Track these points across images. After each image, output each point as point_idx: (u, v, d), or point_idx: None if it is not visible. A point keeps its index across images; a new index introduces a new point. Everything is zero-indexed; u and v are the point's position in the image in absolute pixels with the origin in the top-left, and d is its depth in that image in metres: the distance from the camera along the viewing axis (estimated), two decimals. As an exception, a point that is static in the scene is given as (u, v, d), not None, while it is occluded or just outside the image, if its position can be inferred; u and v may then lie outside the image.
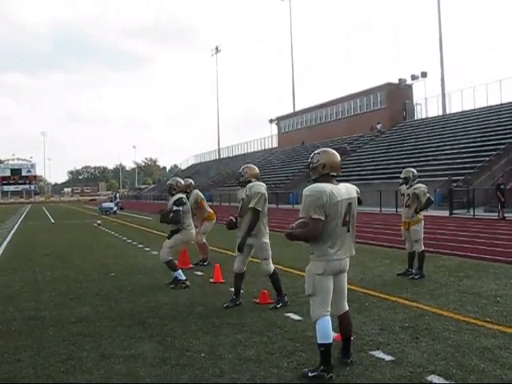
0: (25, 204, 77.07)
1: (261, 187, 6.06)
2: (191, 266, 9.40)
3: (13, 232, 20.29)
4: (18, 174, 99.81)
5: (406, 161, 31.15)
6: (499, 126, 31.35)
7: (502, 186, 20.45)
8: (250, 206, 5.95)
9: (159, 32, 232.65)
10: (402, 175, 8.29)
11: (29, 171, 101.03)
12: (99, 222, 23.33)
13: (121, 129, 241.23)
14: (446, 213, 21.99)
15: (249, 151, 68.75)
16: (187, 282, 7.53)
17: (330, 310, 3.93)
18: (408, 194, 8.05)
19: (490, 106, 36.85)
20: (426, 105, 44.07)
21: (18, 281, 8.48)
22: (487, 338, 4.67)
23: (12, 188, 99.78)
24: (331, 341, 3.88)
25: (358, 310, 5.72)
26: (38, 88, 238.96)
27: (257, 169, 6.45)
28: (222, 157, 77.74)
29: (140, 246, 13.48)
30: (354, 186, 4.16)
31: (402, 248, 9.17)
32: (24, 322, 5.70)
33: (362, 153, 41.03)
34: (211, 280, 7.93)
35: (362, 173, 34.66)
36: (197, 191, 10.06)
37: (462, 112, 39.05)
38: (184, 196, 7.86)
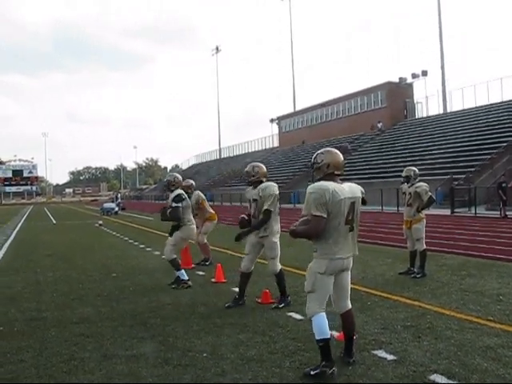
0: (26, 205, 77.21)
1: (274, 188, 6.10)
2: (193, 266, 9.41)
3: (15, 233, 20.31)
4: (19, 175, 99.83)
5: (407, 159, 31.07)
6: (500, 124, 31.28)
7: (503, 185, 20.40)
8: (265, 207, 5.99)
9: (159, 32, 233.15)
10: (403, 174, 8.28)
11: (30, 172, 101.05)
12: (101, 222, 23.37)
13: (121, 129, 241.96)
14: (447, 211, 21.97)
15: (249, 151, 68.74)
16: (189, 282, 7.52)
17: (325, 307, 3.96)
18: (409, 193, 8.04)
19: (491, 104, 36.72)
20: (427, 103, 44.09)
21: (20, 281, 8.49)
22: (490, 337, 4.66)
23: (14, 189, 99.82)
24: (329, 336, 3.91)
25: (360, 309, 5.71)
26: (38, 88, 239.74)
27: (264, 167, 6.47)
28: (222, 157, 77.75)
29: (141, 246, 13.49)
30: (359, 186, 4.16)
31: (403, 247, 9.15)
32: (26, 323, 5.70)
33: (363, 152, 40.97)
34: (213, 280, 7.93)
35: (363, 172, 34.61)
36: (198, 192, 10.09)
37: (463, 110, 38.97)
38: (183, 192, 7.85)
